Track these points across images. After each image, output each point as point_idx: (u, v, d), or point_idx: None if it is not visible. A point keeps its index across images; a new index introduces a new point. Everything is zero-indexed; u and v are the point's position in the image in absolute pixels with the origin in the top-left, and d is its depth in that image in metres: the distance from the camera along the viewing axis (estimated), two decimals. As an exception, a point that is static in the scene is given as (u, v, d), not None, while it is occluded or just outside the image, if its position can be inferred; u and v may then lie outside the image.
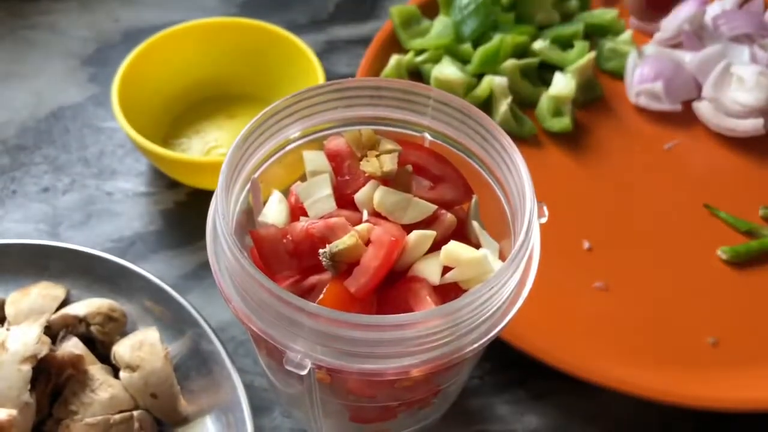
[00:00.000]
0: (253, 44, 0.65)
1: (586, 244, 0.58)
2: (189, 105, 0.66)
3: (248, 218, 0.41)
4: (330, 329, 0.32)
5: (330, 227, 0.36)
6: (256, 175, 0.40)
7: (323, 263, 0.36)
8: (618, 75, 0.69)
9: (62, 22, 0.75)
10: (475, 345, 0.34)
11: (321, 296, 0.35)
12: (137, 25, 0.75)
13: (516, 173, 0.37)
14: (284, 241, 0.37)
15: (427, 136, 0.42)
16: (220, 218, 0.34)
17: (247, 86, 0.67)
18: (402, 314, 0.32)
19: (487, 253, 0.37)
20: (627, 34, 0.70)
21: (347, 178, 0.40)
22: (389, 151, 0.40)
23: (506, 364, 0.53)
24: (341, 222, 0.37)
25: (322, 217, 0.38)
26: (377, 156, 0.39)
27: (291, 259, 0.37)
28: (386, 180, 0.39)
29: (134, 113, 0.58)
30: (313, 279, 0.37)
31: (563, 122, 0.64)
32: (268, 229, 0.38)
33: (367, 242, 0.36)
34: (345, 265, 0.36)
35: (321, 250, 0.36)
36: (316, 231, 0.36)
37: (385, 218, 0.38)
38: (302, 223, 0.37)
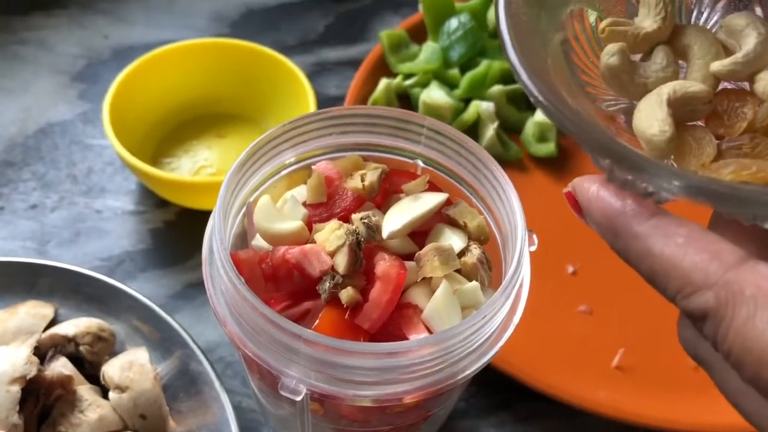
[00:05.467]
0: (244, 65, 0.65)
1: (570, 269, 0.59)
2: (179, 124, 0.66)
3: (242, 242, 0.41)
4: (326, 356, 0.32)
5: (305, 254, 0.37)
6: (251, 199, 0.41)
7: (320, 290, 0.36)
8: (602, 102, 0.71)
9: (52, 38, 0.75)
10: (467, 372, 0.35)
11: (316, 322, 0.35)
12: (127, 42, 0.75)
13: (507, 203, 0.38)
14: (262, 266, 0.38)
15: (420, 163, 0.43)
16: (218, 242, 0.35)
17: (237, 106, 0.67)
18: (397, 342, 0.33)
19: (478, 285, 0.38)
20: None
21: (335, 198, 0.41)
22: (373, 168, 0.40)
23: (492, 387, 0.54)
24: (316, 249, 0.37)
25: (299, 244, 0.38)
26: (361, 174, 0.40)
27: (267, 284, 0.37)
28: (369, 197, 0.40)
29: (124, 131, 0.58)
30: (307, 304, 0.37)
31: (548, 147, 0.65)
32: (248, 252, 0.38)
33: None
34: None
35: (325, 277, 0.36)
36: (291, 257, 0.37)
37: (383, 248, 0.38)
38: (281, 249, 0.38)
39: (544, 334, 0.55)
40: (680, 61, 0.32)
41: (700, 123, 0.30)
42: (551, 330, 0.56)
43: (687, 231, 0.26)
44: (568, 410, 0.51)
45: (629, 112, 0.30)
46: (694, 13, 0.33)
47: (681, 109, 0.29)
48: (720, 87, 0.31)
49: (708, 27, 0.33)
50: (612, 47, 0.31)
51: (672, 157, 0.29)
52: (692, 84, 0.29)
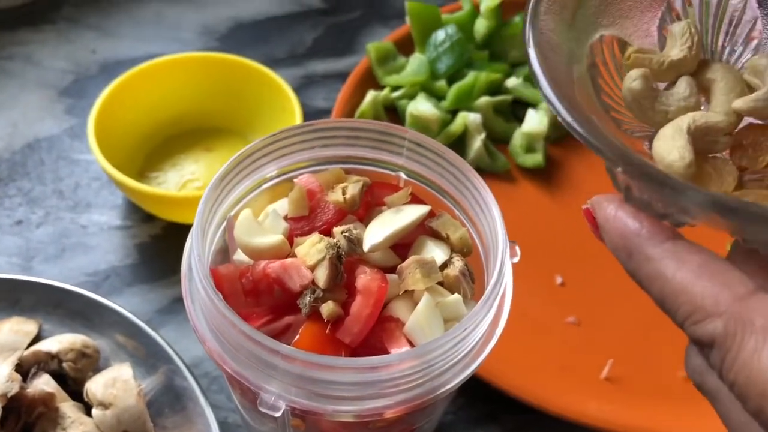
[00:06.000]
0: (231, 78, 0.65)
1: (558, 279, 0.59)
2: (166, 138, 0.66)
3: (223, 257, 0.41)
4: (305, 371, 0.32)
5: (285, 268, 0.37)
6: (231, 213, 0.41)
7: (300, 305, 0.36)
8: (590, 112, 0.71)
9: (39, 53, 0.75)
10: (450, 385, 0.35)
11: (297, 337, 0.35)
12: (115, 57, 0.75)
13: (489, 214, 0.38)
14: (243, 280, 0.37)
15: (402, 175, 0.43)
16: (195, 258, 0.35)
17: (224, 120, 0.67)
18: (377, 356, 0.32)
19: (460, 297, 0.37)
20: (598, 72, 0.72)
21: (317, 211, 0.40)
22: (354, 181, 0.40)
23: (479, 399, 0.53)
24: (296, 263, 0.37)
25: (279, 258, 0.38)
26: (343, 187, 0.40)
27: (247, 299, 0.37)
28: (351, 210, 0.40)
29: (110, 146, 0.58)
30: (288, 319, 0.37)
31: (536, 158, 0.65)
32: (228, 267, 0.38)
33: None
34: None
35: (305, 291, 0.36)
36: (272, 272, 0.37)
37: (365, 261, 0.38)
38: (262, 263, 0.37)
39: (532, 346, 0.55)
40: (702, 98, 0.32)
41: (724, 155, 0.31)
42: (539, 341, 0.55)
43: (700, 257, 0.26)
44: (557, 422, 0.51)
45: (651, 140, 0.31)
46: (727, 50, 0.34)
47: (701, 140, 0.29)
48: (746, 122, 0.31)
49: (738, 66, 0.33)
50: (635, 72, 0.32)
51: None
52: (713, 115, 0.30)
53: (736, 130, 0.31)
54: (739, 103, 0.30)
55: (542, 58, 0.29)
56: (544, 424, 0.52)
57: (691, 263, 0.26)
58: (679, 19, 0.33)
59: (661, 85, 0.32)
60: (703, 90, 0.32)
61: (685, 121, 0.29)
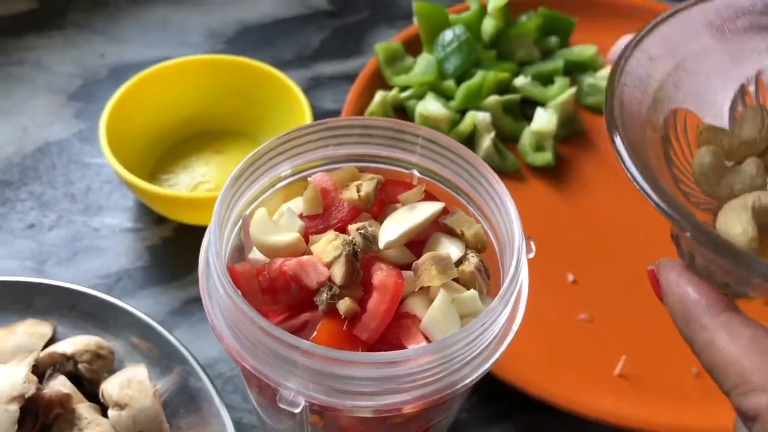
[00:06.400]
0: (240, 81, 0.65)
1: (570, 277, 0.59)
2: (176, 140, 0.66)
3: (239, 255, 0.41)
4: (324, 367, 0.32)
5: (302, 265, 0.37)
6: (247, 212, 0.41)
7: (317, 302, 0.36)
8: (598, 110, 0.71)
9: (48, 58, 0.75)
10: (467, 381, 0.35)
11: (314, 334, 0.35)
12: (123, 61, 0.76)
13: (504, 210, 0.38)
14: (260, 278, 0.37)
15: (416, 173, 0.43)
16: (214, 255, 0.35)
17: (233, 122, 0.67)
18: (395, 351, 0.32)
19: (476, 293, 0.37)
20: (606, 70, 0.72)
21: (331, 209, 0.41)
22: (368, 179, 0.40)
23: (494, 397, 0.53)
24: (312, 260, 0.37)
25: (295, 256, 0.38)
26: (357, 185, 0.40)
27: (264, 297, 0.37)
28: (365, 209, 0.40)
29: (121, 149, 0.58)
30: (305, 316, 0.37)
31: (545, 157, 0.65)
32: (244, 265, 0.38)
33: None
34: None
35: (322, 288, 0.36)
36: (288, 269, 0.37)
37: (380, 258, 0.38)
38: (278, 261, 0.38)
39: (546, 343, 0.55)
40: None
41: None
42: (552, 339, 0.55)
43: (752, 332, 0.28)
44: (572, 419, 0.51)
45: (716, 214, 0.32)
46: None
47: (764, 219, 0.31)
48: None
49: None
50: (706, 148, 0.33)
51: None
52: None
53: None
54: None
55: (623, 129, 0.30)
56: (559, 422, 0.52)
57: (743, 337, 0.27)
58: (750, 102, 0.35)
59: (730, 163, 0.34)
60: None
61: (750, 198, 0.31)
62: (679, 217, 0.28)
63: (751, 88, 0.35)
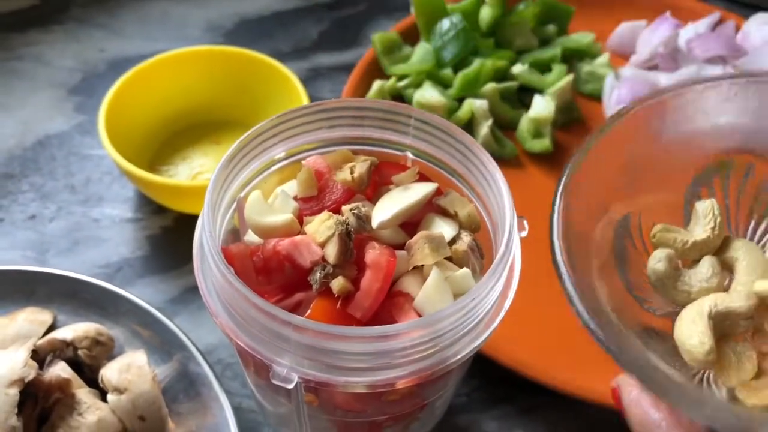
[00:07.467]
0: (239, 72, 0.66)
1: (568, 262, 0.59)
2: (175, 132, 0.67)
3: (234, 238, 0.41)
4: (316, 342, 0.32)
5: (295, 245, 0.37)
6: (241, 194, 0.41)
7: (311, 281, 0.36)
8: (596, 97, 0.71)
9: (48, 52, 0.76)
10: (459, 356, 0.35)
11: (308, 313, 0.35)
12: (123, 55, 0.76)
13: (495, 187, 0.38)
14: (254, 258, 0.38)
15: (410, 155, 0.43)
16: (207, 235, 0.35)
17: (232, 113, 0.68)
18: (386, 325, 0.32)
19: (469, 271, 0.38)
20: (604, 57, 0.72)
21: (325, 191, 0.41)
22: (362, 161, 0.41)
23: (493, 381, 0.53)
24: (306, 240, 0.37)
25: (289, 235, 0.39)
26: (351, 166, 0.40)
27: (259, 277, 0.38)
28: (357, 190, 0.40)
29: (120, 140, 0.58)
30: (299, 296, 0.37)
31: (543, 143, 0.65)
32: (238, 246, 0.39)
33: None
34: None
35: (316, 268, 0.36)
36: (282, 249, 0.37)
37: (374, 238, 0.38)
38: (272, 241, 0.38)
39: (544, 327, 0.55)
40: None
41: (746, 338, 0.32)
42: (551, 322, 0.55)
43: None
44: (571, 402, 0.51)
45: (675, 317, 0.32)
46: (751, 224, 0.35)
47: (722, 323, 0.30)
48: None
49: (763, 241, 0.34)
50: (660, 253, 0.33)
51: (713, 369, 0.31)
52: (734, 299, 0.31)
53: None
54: (760, 287, 0.31)
55: (568, 255, 0.31)
56: (558, 404, 0.52)
57: None
58: (706, 195, 0.35)
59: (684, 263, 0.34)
60: (727, 267, 0.33)
61: (706, 304, 0.31)
62: (615, 352, 0.28)
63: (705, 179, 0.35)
